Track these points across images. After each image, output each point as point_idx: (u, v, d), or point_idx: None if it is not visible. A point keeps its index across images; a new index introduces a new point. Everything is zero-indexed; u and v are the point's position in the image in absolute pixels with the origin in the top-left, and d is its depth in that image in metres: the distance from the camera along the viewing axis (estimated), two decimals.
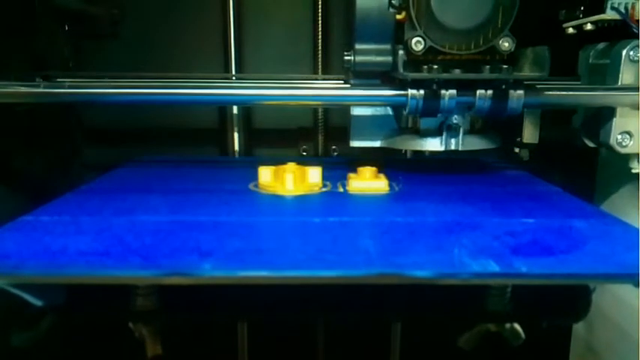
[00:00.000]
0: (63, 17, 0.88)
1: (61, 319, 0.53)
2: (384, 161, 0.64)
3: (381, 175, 0.63)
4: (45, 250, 0.43)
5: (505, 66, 0.59)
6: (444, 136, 0.64)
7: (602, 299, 0.68)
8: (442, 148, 0.64)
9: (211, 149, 0.96)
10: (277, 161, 0.63)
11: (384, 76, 0.64)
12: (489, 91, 0.59)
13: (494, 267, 0.41)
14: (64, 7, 0.88)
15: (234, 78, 0.91)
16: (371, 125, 0.69)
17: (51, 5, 0.83)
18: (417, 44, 0.58)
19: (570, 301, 0.55)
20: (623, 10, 0.62)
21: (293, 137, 0.93)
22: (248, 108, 0.94)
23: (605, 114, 0.64)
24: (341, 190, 0.62)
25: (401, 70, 0.60)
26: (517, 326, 0.59)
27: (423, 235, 0.47)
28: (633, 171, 0.65)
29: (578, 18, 0.68)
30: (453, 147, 0.64)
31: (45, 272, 0.41)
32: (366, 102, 0.66)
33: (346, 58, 0.64)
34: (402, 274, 0.41)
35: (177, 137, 0.95)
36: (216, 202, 0.57)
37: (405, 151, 0.67)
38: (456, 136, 0.64)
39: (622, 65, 0.62)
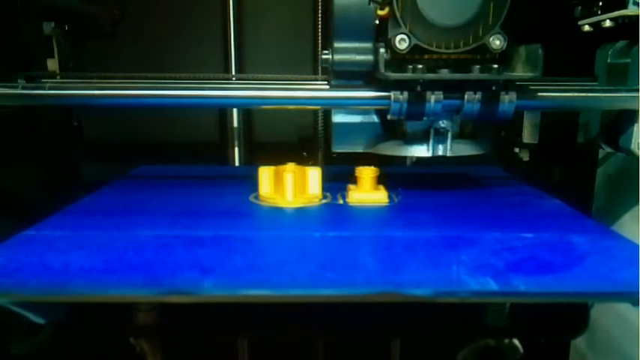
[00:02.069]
0: (63, 17, 0.88)
1: (62, 334, 0.53)
2: (384, 171, 0.63)
3: (381, 187, 0.63)
4: (47, 267, 0.43)
5: (495, 65, 0.56)
6: (430, 142, 0.61)
7: (600, 315, 0.69)
8: (429, 155, 0.61)
9: (212, 164, 0.96)
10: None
11: (368, 77, 0.61)
12: (478, 94, 0.56)
13: (492, 285, 0.41)
14: (64, 7, 0.88)
15: (234, 79, 0.91)
16: (354, 131, 0.67)
17: (35, 4, 0.82)
18: (401, 42, 0.54)
19: (568, 317, 0.55)
20: None
21: (293, 150, 0.93)
22: (249, 121, 0.94)
23: (626, 117, 0.62)
24: (341, 201, 0.62)
25: (382, 69, 0.56)
26: (516, 341, 0.59)
27: (422, 250, 0.48)
28: None
29: (596, 14, 0.66)
30: (440, 153, 0.61)
31: (47, 291, 0.41)
32: (346, 104, 0.64)
33: (324, 57, 0.61)
34: (401, 292, 0.41)
35: (178, 152, 0.96)
36: (216, 215, 0.57)
37: (405, 159, 0.67)
38: (444, 141, 0.60)
39: None
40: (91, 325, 0.54)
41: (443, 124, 0.60)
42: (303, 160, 0.82)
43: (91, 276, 0.42)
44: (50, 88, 0.62)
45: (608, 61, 0.67)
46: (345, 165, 0.65)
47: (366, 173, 0.62)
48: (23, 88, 0.62)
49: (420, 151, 0.61)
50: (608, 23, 0.64)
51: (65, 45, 0.88)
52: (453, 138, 0.61)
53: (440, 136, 0.60)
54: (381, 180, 0.63)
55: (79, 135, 0.93)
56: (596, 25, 0.66)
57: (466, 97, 0.57)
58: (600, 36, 0.68)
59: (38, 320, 0.47)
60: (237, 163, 0.94)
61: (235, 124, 0.94)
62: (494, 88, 0.56)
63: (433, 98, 0.56)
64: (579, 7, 0.70)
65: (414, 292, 0.41)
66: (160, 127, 0.95)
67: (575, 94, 0.62)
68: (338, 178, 0.66)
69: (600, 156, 0.77)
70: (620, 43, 0.66)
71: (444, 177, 0.75)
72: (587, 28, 0.68)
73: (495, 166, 0.81)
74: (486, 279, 0.42)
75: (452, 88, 0.57)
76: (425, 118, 0.59)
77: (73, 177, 0.92)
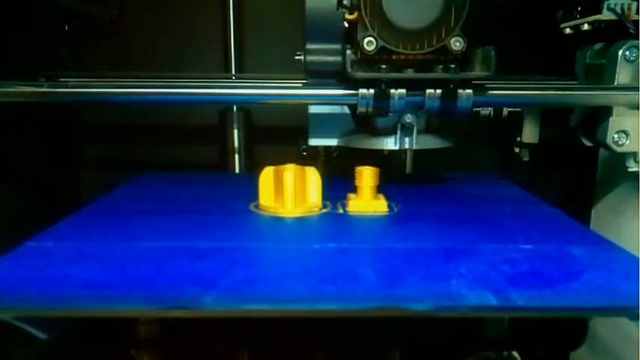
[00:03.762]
0: (63, 17, 0.88)
1: (63, 347, 0.53)
2: (383, 178, 0.64)
3: (380, 196, 0.63)
4: (48, 281, 0.43)
5: (452, 65, 0.59)
6: (398, 135, 0.65)
7: (600, 325, 0.69)
8: (397, 147, 0.65)
9: (211, 146, 0.96)
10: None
11: (340, 76, 0.64)
12: (438, 91, 0.60)
13: (491, 300, 0.41)
14: (64, 6, 0.88)
15: (234, 78, 0.91)
16: (330, 123, 0.71)
17: (54, 5, 0.82)
18: (369, 44, 0.57)
19: (567, 329, 0.56)
20: (619, 11, 0.62)
21: (293, 135, 0.93)
22: (248, 118, 0.94)
23: (602, 113, 0.65)
24: (340, 211, 0.62)
25: (349, 69, 0.60)
26: (515, 353, 0.60)
27: (421, 263, 0.48)
28: (630, 170, 0.65)
29: (575, 18, 0.68)
30: (406, 146, 0.65)
31: (49, 306, 0.41)
32: (319, 101, 0.68)
33: (297, 58, 0.65)
34: (400, 307, 0.41)
35: (178, 134, 0.96)
36: (217, 225, 0.57)
37: (405, 166, 0.67)
38: (410, 135, 0.64)
39: (618, 65, 0.63)
40: (91, 336, 0.54)
41: (408, 119, 0.64)
42: (302, 161, 0.82)
43: (92, 290, 0.42)
44: (73, 87, 0.64)
45: (587, 61, 0.70)
46: (345, 167, 0.65)
47: (366, 173, 0.62)
48: (48, 86, 0.64)
49: (389, 144, 0.66)
50: (586, 27, 0.67)
51: (65, 45, 0.88)
52: (419, 133, 0.65)
53: (406, 131, 0.64)
54: (381, 188, 0.64)
55: (78, 120, 0.93)
56: (576, 28, 0.69)
57: (427, 94, 0.61)
58: (580, 38, 0.70)
59: (39, 334, 0.47)
60: (236, 144, 0.94)
61: (235, 108, 0.93)
62: (451, 86, 0.60)
63: (397, 95, 0.61)
64: (561, 11, 0.73)
65: (414, 306, 0.41)
66: (159, 110, 0.94)
67: (529, 92, 0.65)
68: (338, 183, 0.66)
69: (600, 156, 0.78)
70: (597, 45, 0.69)
71: (444, 185, 0.75)
72: (568, 30, 0.70)
73: (495, 174, 0.81)
74: (485, 293, 0.42)
75: (415, 86, 0.61)
76: (392, 114, 0.64)
77: (73, 159, 0.94)
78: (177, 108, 0.94)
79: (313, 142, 0.72)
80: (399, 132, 0.65)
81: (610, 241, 0.54)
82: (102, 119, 0.95)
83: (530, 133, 0.80)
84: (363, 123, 0.69)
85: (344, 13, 0.60)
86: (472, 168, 0.81)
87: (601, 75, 0.66)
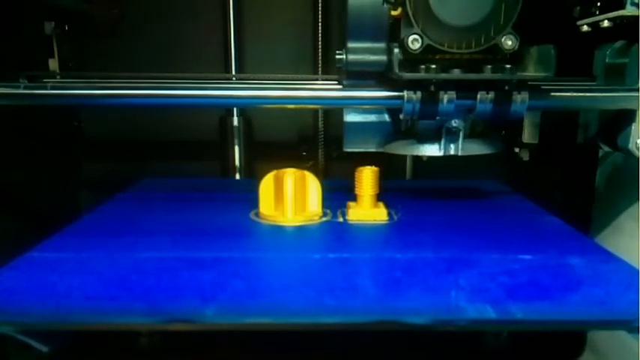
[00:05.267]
0: (63, 17, 0.87)
1: (65, 358, 0.53)
2: (383, 186, 0.63)
3: (380, 204, 0.63)
4: (50, 293, 0.44)
5: (508, 66, 0.55)
6: (442, 141, 0.61)
7: (599, 336, 0.68)
8: (441, 154, 0.61)
9: (212, 163, 0.96)
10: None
11: (380, 77, 0.61)
12: (491, 94, 0.56)
13: (490, 313, 0.41)
14: (64, 7, 0.87)
15: (234, 79, 0.91)
16: (365, 130, 0.67)
17: (36, 4, 0.81)
18: (414, 42, 0.54)
19: (566, 340, 0.56)
20: None
21: (294, 148, 0.93)
22: (249, 121, 0.94)
23: (624, 117, 0.61)
24: (340, 219, 0.62)
25: (396, 69, 0.57)
26: None
27: (421, 274, 0.48)
28: None
29: (594, 15, 0.65)
30: (452, 152, 0.61)
31: (50, 319, 0.42)
32: (360, 104, 0.64)
33: (338, 57, 0.62)
34: (400, 321, 0.41)
35: (178, 152, 0.96)
36: (218, 235, 0.57)
37: (405, 174, 0.67)
38: (456, 140, 0.61)
39: None
40: (93, 347, 0.55)
41: (455, 123, 0.60)
42: (302, 160, 0.82)
43: (93, 303, 0.42)
44: (52, 88, 0.61)
45: (607, 61, 0.67)
46: (345, 167, 0.65)
47: (367, 175, 0.62)
48: (25, 87, 0.61)
49: (432, 150, 0.62)
50: (606, 23, 0.63)
51: (65, 45, 0.88)
52: (464, 137, 0.61)
53: (451, 136, 0.61)
54: (381, 195, 0.63)
55: (79, 135, 0.93)
56: (595, 26, 0.65)
57: (479, 96, 0.56)
58: (599, 36, 0.67)
59: (40, 347, 0.47)
60: (237, 163, 0.94)
61: (235, 124, 0.93)
62: (506, 87, 0.56)
63: (446, 98, 0.56)
64: (578, 8, 0.69)
65: (413, 320, 0.41)
66: (160, 126, 0.95)
67: (585, 94, 0.62)
68: (338, 186, 0.66)
69: (600, 155, 0.77)
70: (619, 43, 0.66)
71: (444, 192, 0.74)
72: (585, 28, 0.67)
73: (496, 181, 0.81)
74: (484, 306, 0.42)
75: (464, 88, 0.57)
76: (437, 118, 0.59)
77: (72, 177, 0.92)
78: (175, 116, 0.94)
79: (349, 149, 0.67)
80: (443, 137, 0.61)
81: (609, 251, 0.54)
82: (101, 135, 0.95)
83: (530, 133, 0.80)
84: (403, 127, 0.65)
85: (389, 9, 0.57)
86: (471, 167, 0.81)
87: (623, 75, 0.63)
